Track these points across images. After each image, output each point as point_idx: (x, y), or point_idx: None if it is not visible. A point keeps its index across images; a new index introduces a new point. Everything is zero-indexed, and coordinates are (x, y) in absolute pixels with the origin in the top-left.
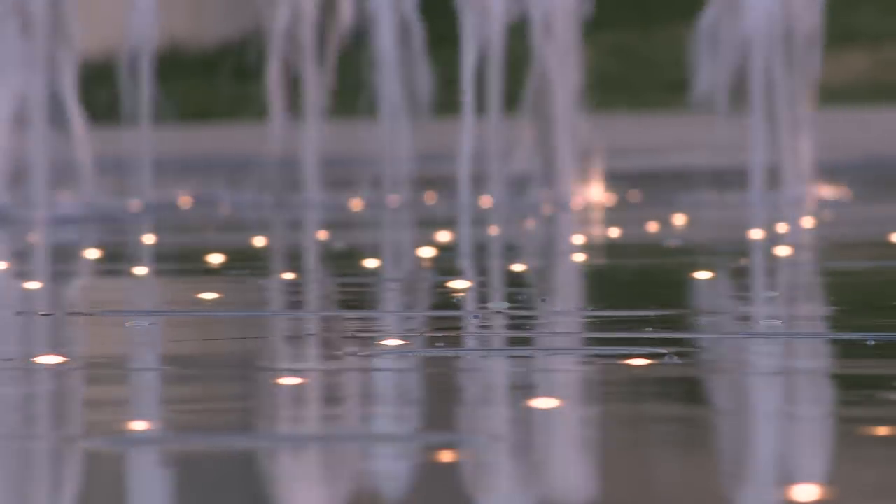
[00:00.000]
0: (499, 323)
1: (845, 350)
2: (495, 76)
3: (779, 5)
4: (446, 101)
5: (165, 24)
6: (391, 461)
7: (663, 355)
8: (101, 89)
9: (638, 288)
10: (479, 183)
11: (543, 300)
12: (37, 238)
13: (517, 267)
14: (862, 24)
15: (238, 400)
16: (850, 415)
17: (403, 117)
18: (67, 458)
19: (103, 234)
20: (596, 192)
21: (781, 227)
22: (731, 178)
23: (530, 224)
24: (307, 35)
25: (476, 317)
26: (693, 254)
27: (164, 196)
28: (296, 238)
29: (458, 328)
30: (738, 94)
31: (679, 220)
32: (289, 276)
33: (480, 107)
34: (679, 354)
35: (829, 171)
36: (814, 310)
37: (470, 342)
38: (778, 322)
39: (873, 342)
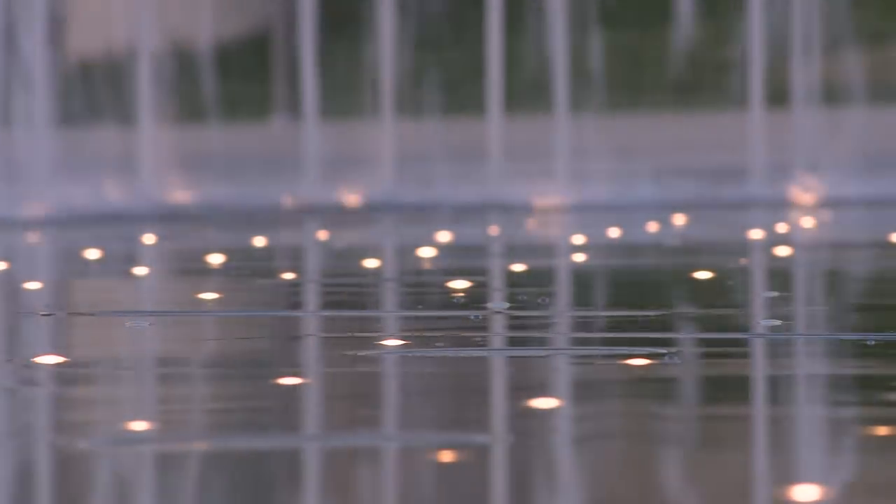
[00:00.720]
0: (499, 323)
1: (845, 350)
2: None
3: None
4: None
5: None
6: (392, 461)
7: (663, 355)
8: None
9: (638, 288)
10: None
11: (543, 300)
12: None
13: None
14: (862, 24)
15: (239, 400)
16: (850, 415)
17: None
18: (67, 457)
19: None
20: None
21: (781, 227)
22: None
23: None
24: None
25: (476, 317)
26: (693, 254)
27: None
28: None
29: (458, 328)
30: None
31: (679, 219)
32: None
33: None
34: (679, 354)
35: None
36: (814, 310)
37: (470, 342)
38: (777, 322)
39: (873, 342)
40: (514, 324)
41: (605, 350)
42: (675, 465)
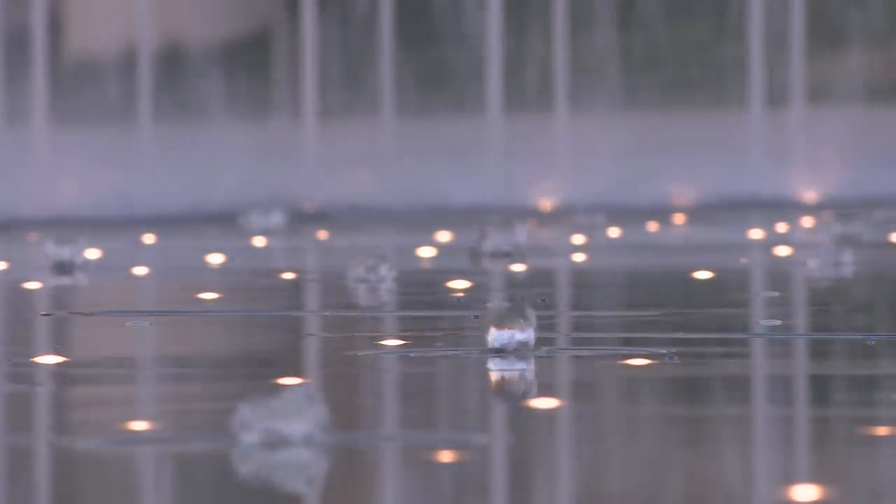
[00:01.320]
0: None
1: (845, 350)
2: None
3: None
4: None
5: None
6: (391, 461)
7: (663, 355)
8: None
9: (638, 288)
10: None
11: (543, 300)
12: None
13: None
14: (862, 24)
15: (237, 400)
16: (851, 415)
17: None
18: (67, 456)
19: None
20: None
21: (781, 227)
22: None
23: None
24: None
25: (476, 317)
26: (693, 253)
27: None
28: None
29: (458, 328)
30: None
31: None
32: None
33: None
34: (679, 354)
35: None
36: (813, 310)
37: (469, 342)
38: (777, 322)
39: (873, 342)
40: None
41: (606, 350)
42: (674, 464)
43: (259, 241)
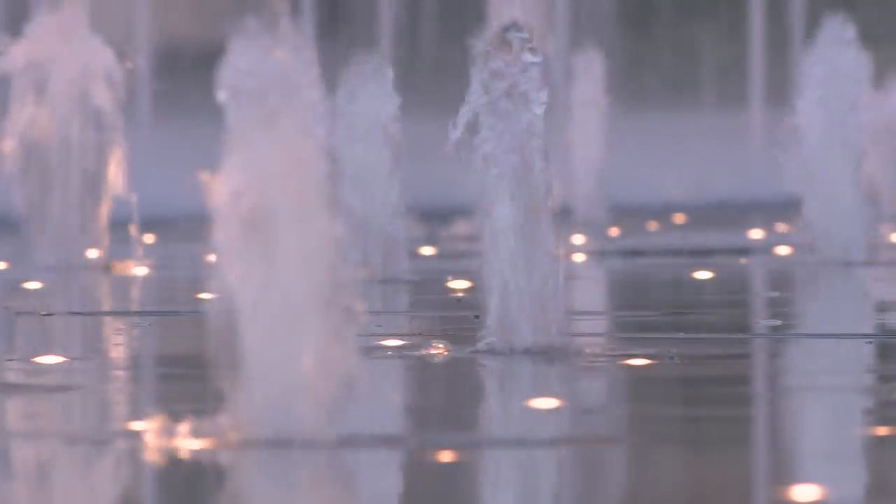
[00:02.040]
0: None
1: (846, 350)
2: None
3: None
4: None
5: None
6: (389, 461)
7: (664, 355)
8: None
9: (638, 288)
10: None
11: (476, 317)
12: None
13: None
14: (862, 24)
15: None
16: (850, 415)
17: None
18: (67, 456)
19: None
20: None
21: (781, 227)
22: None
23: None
24: None
25: (477, 317)
26: (693, 254)
27: None
28: None
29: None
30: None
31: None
32: None
33: None
34: (680, 354)
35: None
36: (813, 309)
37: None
38: (777, 322)
39: (872, 342)
40: None
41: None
42: (674, 464)
43: None
